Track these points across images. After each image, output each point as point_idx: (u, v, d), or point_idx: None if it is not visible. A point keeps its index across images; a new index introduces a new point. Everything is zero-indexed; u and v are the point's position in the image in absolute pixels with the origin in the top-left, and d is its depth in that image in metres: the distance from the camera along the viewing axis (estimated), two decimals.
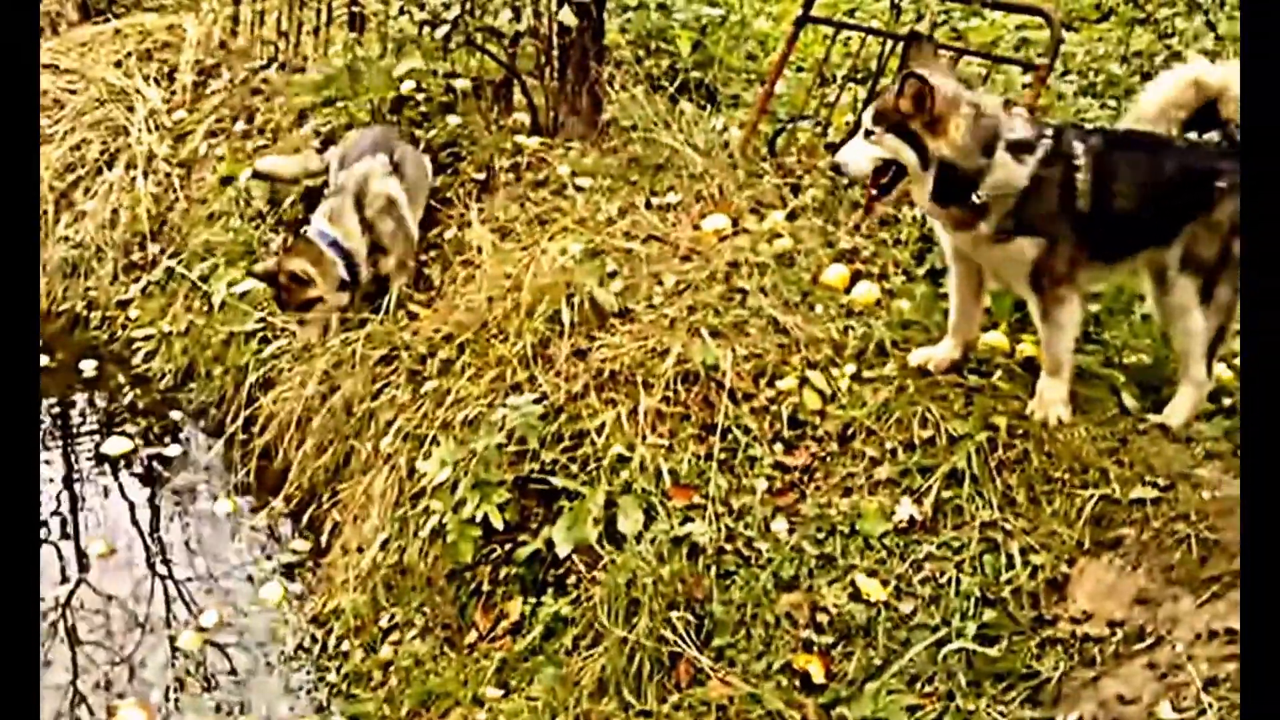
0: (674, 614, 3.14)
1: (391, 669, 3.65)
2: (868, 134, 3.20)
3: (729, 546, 3.27)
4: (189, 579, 4.31)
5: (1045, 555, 2.97)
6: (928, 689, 2.85)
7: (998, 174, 3.13)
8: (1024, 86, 5.03)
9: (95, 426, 5.27)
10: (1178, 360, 3.40)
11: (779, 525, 3.29)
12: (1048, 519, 3.04)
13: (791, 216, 4.40)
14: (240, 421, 4.91)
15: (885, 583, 3.06)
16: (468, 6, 5.06)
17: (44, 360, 5.63)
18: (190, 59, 7.07)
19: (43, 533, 4.45)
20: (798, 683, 2.97)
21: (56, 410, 5.37)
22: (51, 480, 4.82)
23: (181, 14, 7.59)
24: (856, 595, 3.05)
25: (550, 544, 3.47)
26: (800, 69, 6.09)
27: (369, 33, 6.39)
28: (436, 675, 3.51)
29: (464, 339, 4.17)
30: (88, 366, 5.70)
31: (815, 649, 3.01)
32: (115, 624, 4.05)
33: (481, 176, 5.11)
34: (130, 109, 6.83)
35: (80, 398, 5.48)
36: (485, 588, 3.66)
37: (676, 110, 5.21)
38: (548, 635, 3.39)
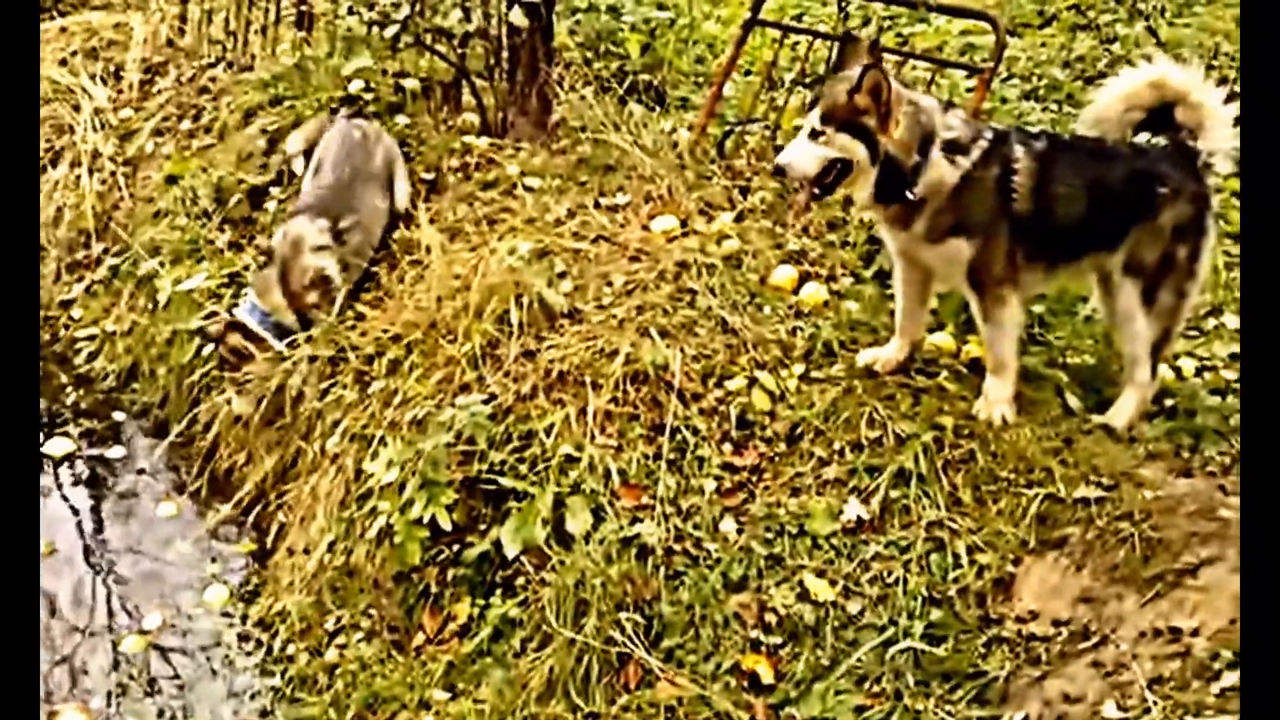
0: (623, 615, 3.14)
1: (337, 672, 3.60)
2: (815, 134, 3.21)
3: (678, 547, 3.28)
4: (131, 581, 4.23)
5: (991, 554, 3.01)
6: (875, 689, 2.87)
7: (931, 173, 3.17)
8: (969, 91, 5.09)
9: None
10: (1121, 361, 3.46)
11: (727, 525, 3.30)
12: (993, 518, 3.08)
13: (740, 218, 4.42)
14: (184, 422, 4.84)
15: (833, 583, 3.08)
16: (417, 6, 5.02)
17: None
18: (137, 57, 6.95)
19: None
20: (746, 683, 2.99)
21: None
22: None
23: (128, 12, 7.46)
24: (805, 595, 3.07)
25: (498, 545, 3.45)
26: (748, 73, 6.11)
27: (317, 32, 6.33)
28: (383, 678, 3.47)
29: (412, 339, 4.13)
30: None
31: (764, 649, 3.03)
32: (56, 627, 3.97)
33: (430, 177, 5.06)
34: (76, 107, 6.70)
35: None
36: (433, 589, 3.63)
37: (625, 112, 5.20)
38: (496, 637, 3.37)
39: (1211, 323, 4.03)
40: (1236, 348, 3.84)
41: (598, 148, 4.97)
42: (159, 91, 6.76)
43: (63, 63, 7.01)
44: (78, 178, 6.35)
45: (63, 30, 7.37)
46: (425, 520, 3.55)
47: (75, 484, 4.80)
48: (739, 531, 3.27)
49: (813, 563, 3.13)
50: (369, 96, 5.41)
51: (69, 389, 5.44)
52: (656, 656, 3.09)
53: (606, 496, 3.41)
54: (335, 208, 4.70)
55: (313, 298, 4.60)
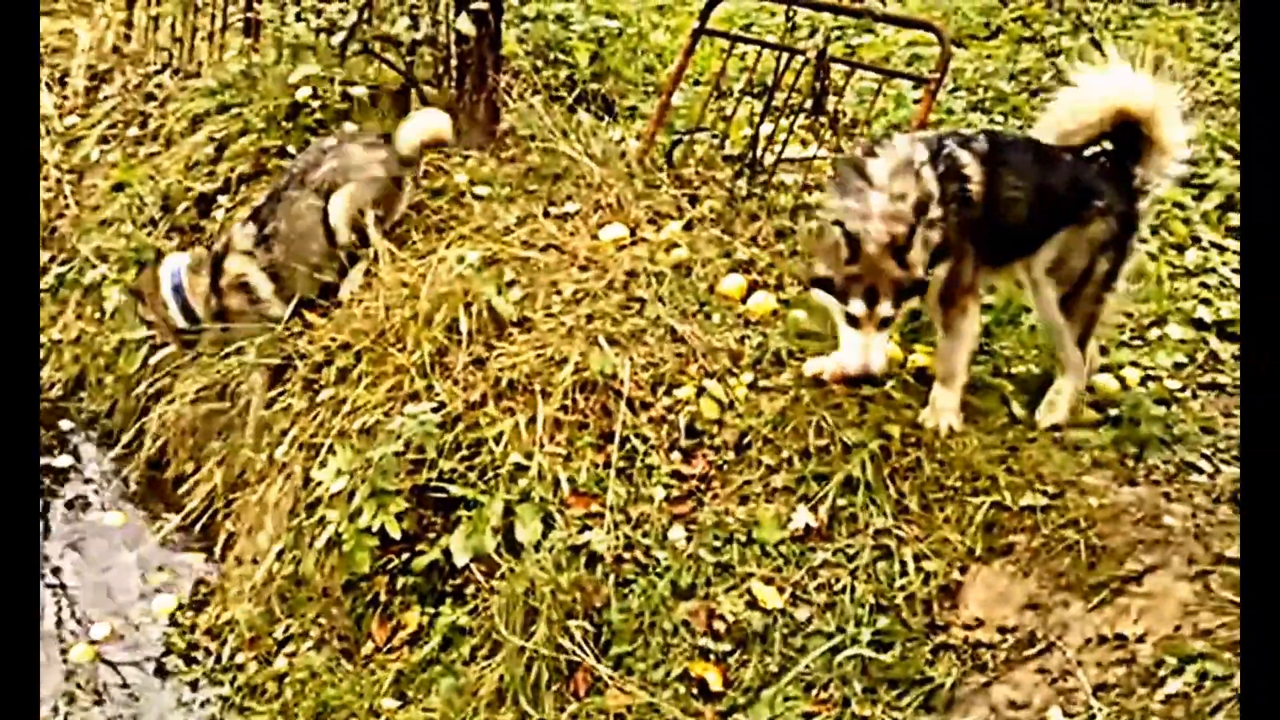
0: (572, 623, 3.14)
1: (286, 681, 3.58)
2: (886, 322, 3.17)
3: (627, 555, 3.29)
4: (79, 591, 4.19)
5: (938, 562, 3.04)
6: (823, 695, 2.90)
7: (926, 241, 3.18)
8: (915, 101, 5.16)
9: None
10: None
11: (677, 533, 3.31)
12: (940, 526, 3.12)
13: (689, 227, 4.44)
14: (132, 431, 4.79)
15: (781, 590, 3.10)
16: (364, 14, 5.00)
17: None
18: (83, 64, 6.87)
19: None
20: (695, 690, 3.00)
21: None
22: None
23: (74, 18, 7.36)
24: (753, 603, 3.09)
25: (448, 553, 3.44)
26: (697, 82, 6.15)
27: (265, 39, 6.26)
28: (332, 687, 3.45)
29: (361, 347, 4.11)
30: None
31: (712, 656, 3.04)
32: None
33: None
34: None
35: None
36: (382, 598, 3.61)
37: (574, 121, 5.21)
38: (445, 645, 3.36)
39: (1155, 333, 4.11)
40: (1180, 357, 3.94)
41: (546, 156, 4.98)
42: (105, 98, 6.69)
43: None
44: None
45: None
46: (374, 529, 3.54)
47: None
48: (688, 539, 3.28)
49: (761, 570, 3.15)
50: (316, 104, 5.36)
51: None
52: (606, 664, 3.09)
53: (556, 505, 3.41)
54: (263, 215, 4.62)
55: (233, 301, 4.52)
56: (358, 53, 5.25)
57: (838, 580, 3.07)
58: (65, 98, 6.79)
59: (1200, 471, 3.23)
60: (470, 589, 3.41)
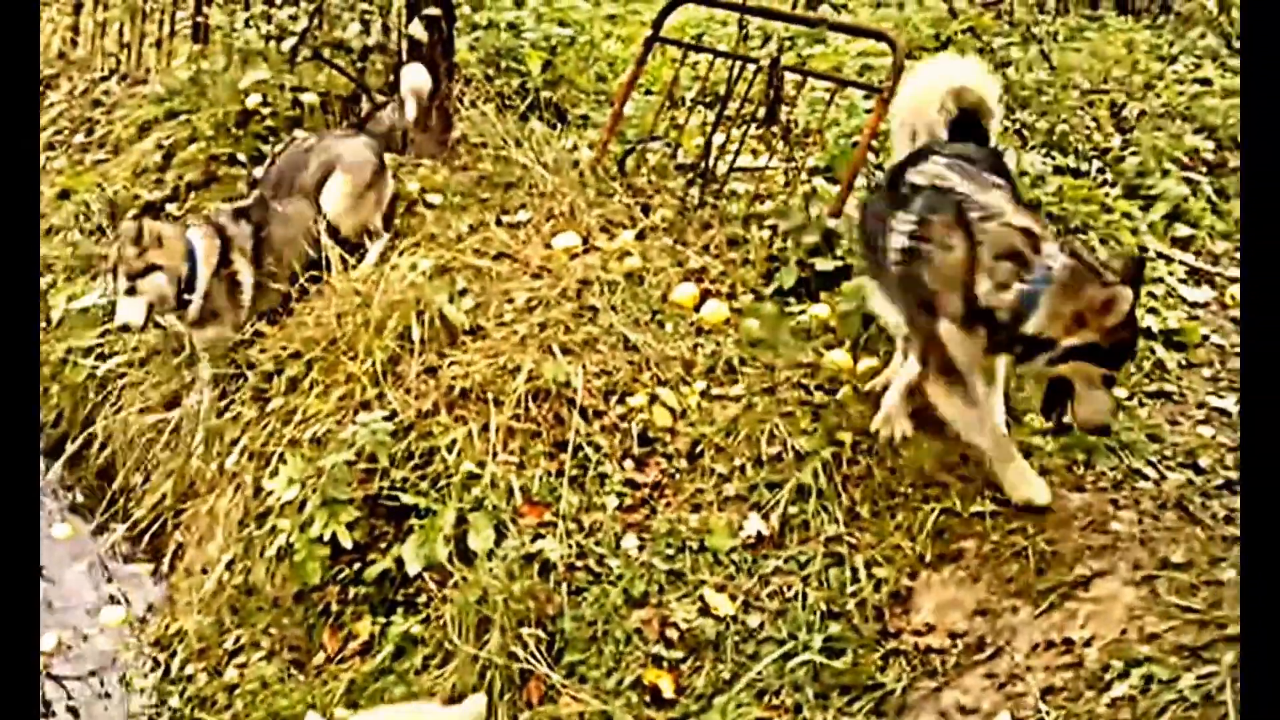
0: (525, 631, 3.13)
1: (237, 692, 3.54)
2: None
3: (580, 563, 3.28)
4: None
5: (889, 568, 3.06)
6: (775, 701, 2.90)
7: None
8: (866, 111, 5.21)
9: None
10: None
11: (629, 542, 3.31)
12: (891, 533, 3.14)
13: (641, 235, 4.46)
14: (79, 442, 4.71)
15: (734, 597, 3.11)
16: (315, 20, 4.97)
17: None
18: None
19: None
20: (648, 698, 2.99)
21: None
22: None
23: None
24: (705, 610, 3.10)
25: (400, 562, 3.42)
26: (650, 91, 6.17)
27: (214, 44, 6.21)
28: (283, 698, 3.41)
29: (312, 356, 4.07)
30: None
31: (665, 664, 3.04)
32: None
33: None
34: None
35: None
36: (334, 608, 3.57)
37: (527, 129, 5.22)
38: (397, 655, 3.32)
39: None
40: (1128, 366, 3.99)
41: (499, 164, 4.98)
42: (51, 105, 6.61)
43: None
44: None
45: None
46: (326, 538, 3.51)
47: None
48: (640, 548, 3.29)
49: (713, 578, 3.16)
50: (266, 111, 5.32)
51: None
52: (559, 672, 3.08)
53: (509, 513, 3.40)
54: (255, 218, 4.55)
55: (220, 295, 4.43)
56: (308, 59, 5.22)
57: (790, 587, 3.08)
58: None
59: (1146, 478, 3.28)
60: (422, 598, 3.38)
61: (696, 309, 4.10)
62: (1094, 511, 3.06)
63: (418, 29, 4.92)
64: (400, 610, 3.41)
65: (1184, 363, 4.03)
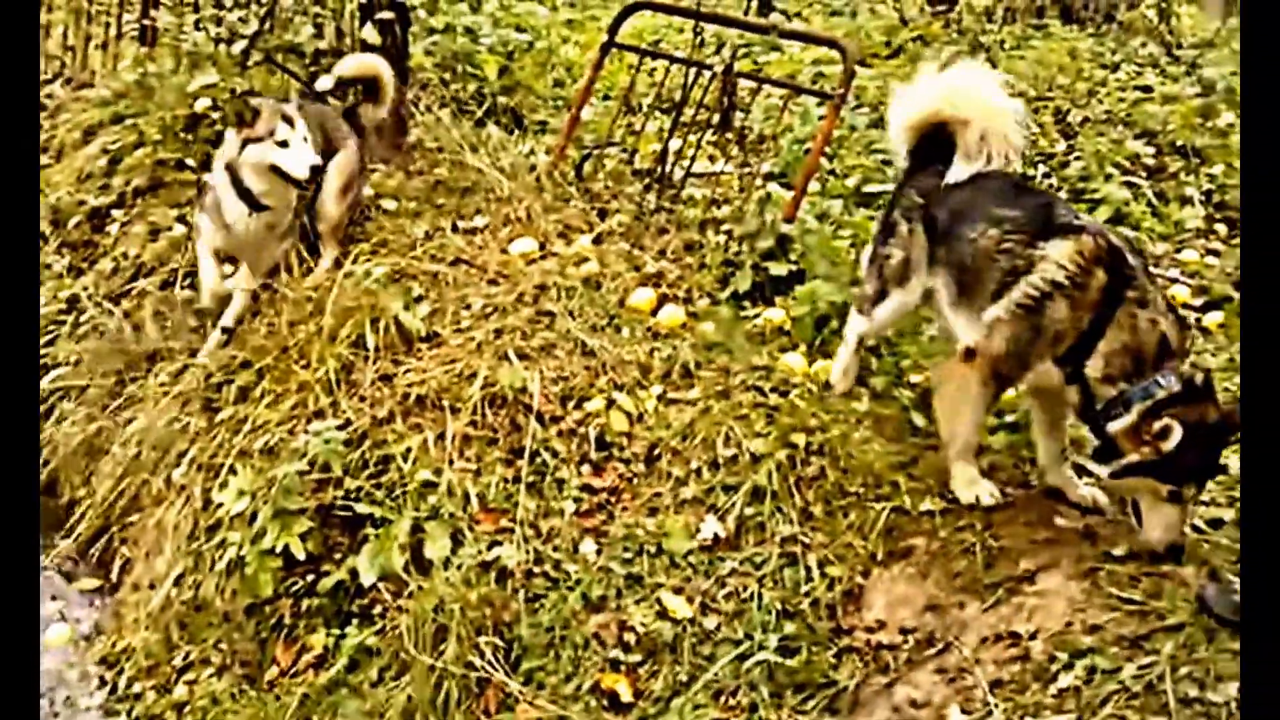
0: (482, 639, 3.11)
1: (187, 710, 3.49)
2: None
3: (537, 569, 3.27)
4: None
5: (842, 567, 3.09)
6: (731, 702, 2.91)
7: None
8: (820, 118, 5.26)
9: None
10: None
11: (587, 546, 3.31)
12: (844, 532, 3.17)
13: (598, 241, 4.46)
14: None
15: (691, 599, 3.12)
16: (266, 22, 4.92)
17: None
18: None
19: None
20: (606, 702, 2.99)
21: None
22: None
23: None
24: (663, 613, 3.10)
25: (355, 573, 3.39)
26: (607, 97, 6.18)
27: (161, 47, 6.13)
28: (235, 715, 3.37)
29: (263, 364, 4.03)
30: None
31: (623, 668, 3.04)
32: None
33: None
34: None
35: None
36: (286, 621, 3.53)
37: (483, 134, 5.21)
38: (352, 667, 3.29)
39: None
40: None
41: (455, 169, 4.96)
42: None
43: None
44: None
45: None
46: (278, 550, 3.47)
47: None
48: (598, 552, 3.28)
49: (671, 581, 3.16)
50: (216, 115, 5.25)
51: None
52: (516, 680, 3.07)
53: (465, 521, 3.38)
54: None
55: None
56: (259, 62, 5.16)
57: (745, 588, 3.10)
58: None
59: (1089, 473, 3.34)
60: (377, 609, 3.35)
61: (653, 313, 4.10)
62: (1038, 507, 3.11)
63: (371, 33, 4.89)
64: (355, 621, 3.38)
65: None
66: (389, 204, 4.75)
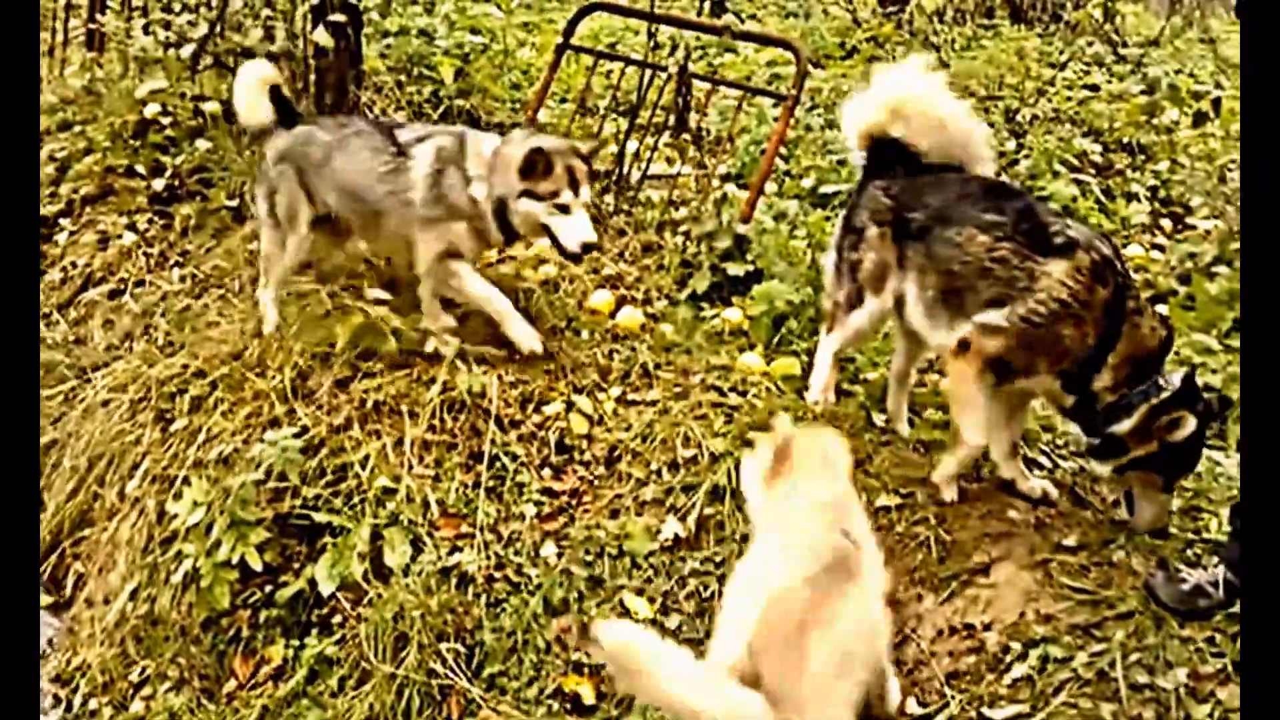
0: (444, 646, 3.10)
1: None
2: None
3: (499, 574, 3.26)
4: None
5: None
6: None
7: None
8: (775, 119, 5.28)
9: None
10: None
11: (548, 550, 3.30)
12: None
13: None
14: None
15: (652, 600, 3.13)
16: (216, 26, 4.86)
17: None
18: None
19: None
20: (569, 705, 2.99)
21: None
22: None
23: None
24: (625, 614, 3.10)
25: (313, 583, 3.35)
26: (564, 99, 6.17)
27: (109, 52, 6.04)
28: None
29: (217, 374, 3.97)
30: None
31: (585, 670, 3.04)
32: None
33: (234, 204, 4.90)
34: None
35: None
36: (244, 633, 3.49)
37: None
38: (312, 678, 3.26)
39: None
40: None
41: None
42: None
43: None
44: None
45: None
46: (234, 561, 3.42)
47: None
48: (559, 555, 3.28)
49: (632, 582, 3.17)
50: (166, 121, 5.18)
51: None
52: (479, 686, 3.06)
53: (425, 527, 3.36)
54: None
55: None
56: (210, 66, 5.10)
57: (706, 587, 3.11)
58: None
59: (1040, 467, 3.38)
60: (337, 618, 3.32)
61: (612, 315, 4.11)
62: (992, 501, 3.15)
63: (323, 35, 4.85)
64: (314, 632, 3.36)
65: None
66: None
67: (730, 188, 5.03)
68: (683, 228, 4.50)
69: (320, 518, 3.44)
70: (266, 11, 5.09)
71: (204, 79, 5.38)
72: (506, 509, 3.42)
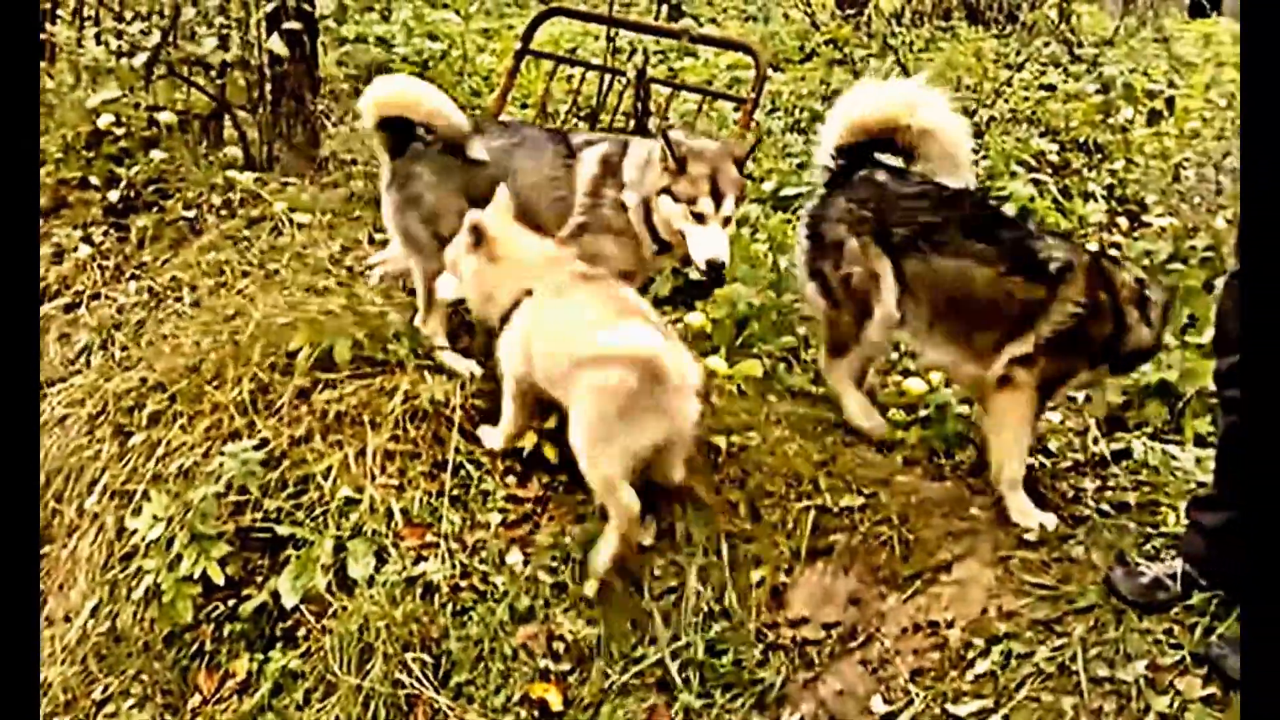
0: (409, 656, 3.09)
1: None
2: None
3: (464, 583, 3.25)
4: None
5: (766, 566, 3.12)
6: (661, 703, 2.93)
7: None
8: (735, 122, 5.30)
9: None
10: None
11: (514, 557, 3.29)
12: (768, 531, 3.20)
13: None
14: None
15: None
16: (169, 35, 4.81)
17: None
18: None
19: None
20: (536, 712, 3.00)
21: None
22: None
23: None
24: (592, 620, 3.09)
25: (277, 596, 3.33)
26: (525, 105, 6.16)
27: (60, 62, 5.96)
28: None
29: (177, 388, 3.92)
30: None
31: (552, 677, 3.05)
32: None
33: (191, 215, 4.85)
34: None
35: None
36: (208, 648, 3.45)
37: None
38: (277, 691, 3.24)
39: None
40: None
41: (371, 181, 4.89)
42: None
43: None
44: None
45: None
46: (196, 576, 3.38)
47: None
48: (525, 562, 3.27)
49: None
50: (119, 131, 5.12)
51: None
52: (445, 695, 3.05)
53: (389, 537, 3.34)
54: None
55: None
56: (163, 75, 5.04)
57: (673, 590, 3.10)
58: None
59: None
60: (301, 631, 3.30)
61: None
62: (953, 498, 3.19)
63: (277, 44, 4.81)
64: (278, 645, 3.33)
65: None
66: (302, 218, 4.67)
67: None
68: None
69: (283, 530, 3.41)
70: (220, 20, 5.05)
71: (158, 88, 5.32)
72: (471, 517, 3.40)
